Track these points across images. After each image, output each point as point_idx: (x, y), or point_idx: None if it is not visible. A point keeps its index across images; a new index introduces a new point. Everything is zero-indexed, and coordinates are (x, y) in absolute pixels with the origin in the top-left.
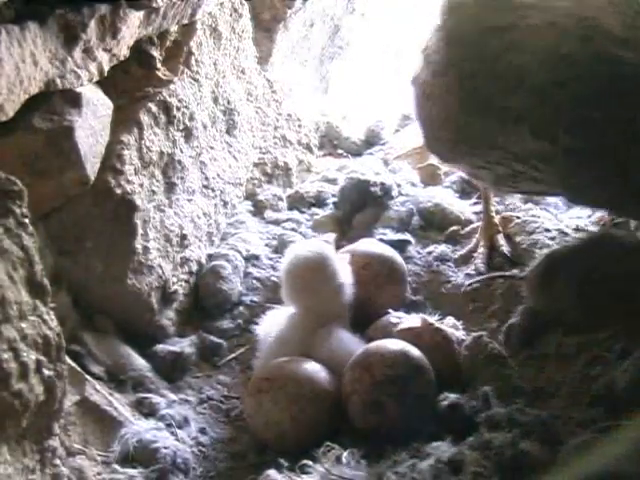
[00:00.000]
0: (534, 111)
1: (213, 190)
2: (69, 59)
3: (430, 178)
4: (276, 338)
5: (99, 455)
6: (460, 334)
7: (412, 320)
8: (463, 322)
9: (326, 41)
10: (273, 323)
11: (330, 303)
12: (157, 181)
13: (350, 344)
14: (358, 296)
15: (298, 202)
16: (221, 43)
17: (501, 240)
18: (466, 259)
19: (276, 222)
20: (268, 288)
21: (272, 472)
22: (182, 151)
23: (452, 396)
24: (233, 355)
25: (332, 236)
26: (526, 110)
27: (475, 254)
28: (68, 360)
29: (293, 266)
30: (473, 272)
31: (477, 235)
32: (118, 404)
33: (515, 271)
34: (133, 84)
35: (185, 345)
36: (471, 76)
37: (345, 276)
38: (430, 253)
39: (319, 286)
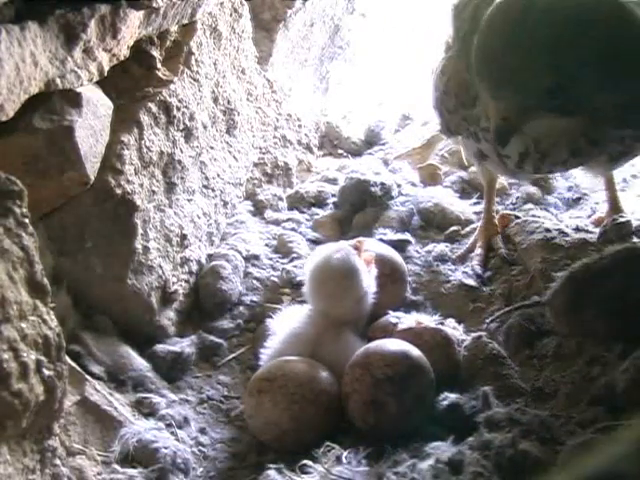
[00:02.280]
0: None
1: (213, 190)
2: (69, 59)
3: (430, 178)
4: (290, 334)
5: (99, 455)
6: (460, 334)
7: (409, 321)
8: (463, 322)
9: (326, 41)
10: (288, 319)
11: (350, 311)
12: (157, 181)
13: (357, 347)
14: None
15: (298, 202)
16: (221, 43)
17: (499, 242)
18: (464, 259)
19: (276, 222)
20: (268, 288)
21: (272, 472)
22: (182, 151)
23: (452, 396)
24: (233, 355)
25: (363, 240)
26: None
27: (472, 254)
28: (68, 360)
29: (319, 271)
30: (470, 272)
31: (475, 235)
32: (118, 404)
33: (536, 298)
34: (133, 84)
35: (185, 345)
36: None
37: (369, 285)
38: (430, 253)
39: (342, 295)
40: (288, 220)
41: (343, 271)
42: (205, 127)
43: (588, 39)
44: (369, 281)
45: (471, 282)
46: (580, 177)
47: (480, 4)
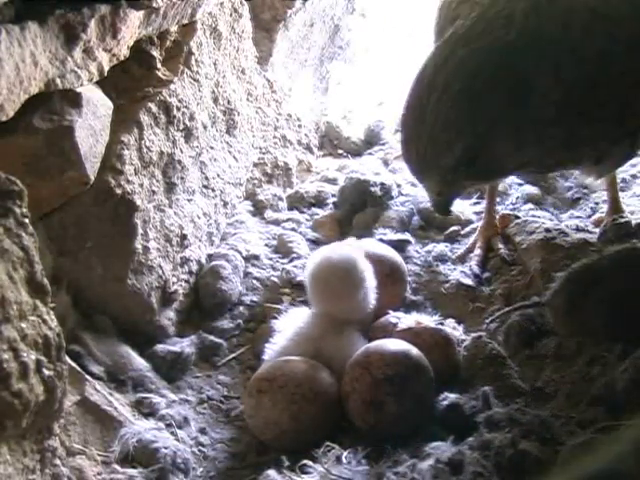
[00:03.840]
0: None
1: (213, 190)
2: (69, 59)
3: None
4: (294, 333)
5: (99, 455)
6: (460, 334)
7: (409, 321)
8: (463, 322)
9: (326, 41)
10: (293, 320)
11: (353, 310)
12: (157, 181)
13: (359, 347)
14: None
15: (298, 202)
16: (221, 43)
17: (499, 242)
18: (463, 259)
19: (276, 222)
20: (268, 288)
21: (272, 472)
22: (182, 151)
23: (452, 396)
24: (233, 355)
25: (353, 240)
26: None
27: (471, 254)
28: (68, 360)
29: (321, 269)
30: (468, 272)
31: (475, 235)
32: (118, 404)
33: (536, 298)
34: (133, 84)
35: (185, 345)
36: None
37: (370, 283)
38: (430, 253)
39: (345, 292)
40: (288, 220)
41: (346, 267)
42: (205, 127)
43: (479, 108)
44: (370, 277)
45: (469, 282)
46: (580, 177)
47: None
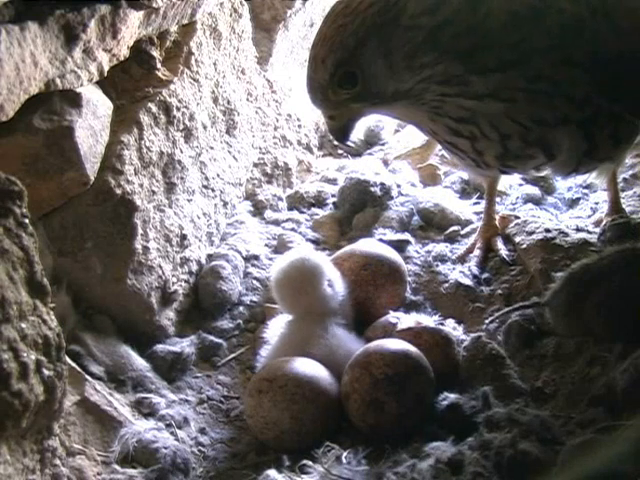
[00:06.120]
0: None
1: (213, 190)
2: (69, 59)
3: (430, 178)
4: (279, 342)
5: (99, 455)
6: (459, 335)
7: (409, 321)
8: (463, 322)
9: None
10: (278, 327)
11: (320, 301)
12: (157, 181)
13: (347, 342)
14: (358, 296)
15: (298, 202)
16: (221, 43)
17: (499, 243)
18: (463, 259)
19: (276, 222)
20: (268, 288)
21: (272, 472)
22: (182, 151)
23: (452, 396)
24: (233, 355)
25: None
26: None
27: (471, 255)
28: (68, 360)
29: (277, 278)
30: (467, 272)
31: (475, 235)
32: (118, 404)
33: (535, 299)
34: (133, 84)
35: (185, 345)
36: None
37: (331, 273)
38: (429, 253)
39: (304, 288)
40: (288, 220)
41: (297, 266)
42: (205, 127)
43: (351, 23)
44: (329, 267)
45: (468, 282)
46: (580, 177)
47: None
